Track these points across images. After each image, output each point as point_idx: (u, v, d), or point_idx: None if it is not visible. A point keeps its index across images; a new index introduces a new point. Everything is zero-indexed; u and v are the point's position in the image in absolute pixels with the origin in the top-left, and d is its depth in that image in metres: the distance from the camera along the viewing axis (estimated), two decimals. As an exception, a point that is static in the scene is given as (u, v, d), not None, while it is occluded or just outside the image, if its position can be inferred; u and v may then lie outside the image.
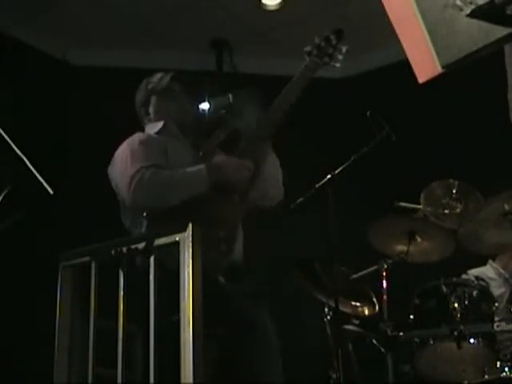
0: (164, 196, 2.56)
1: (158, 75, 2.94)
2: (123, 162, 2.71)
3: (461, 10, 1.33)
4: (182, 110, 2.86)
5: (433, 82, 1.46)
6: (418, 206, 3.63)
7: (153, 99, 2.91)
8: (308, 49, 2.92)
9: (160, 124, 2.86)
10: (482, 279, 3.50)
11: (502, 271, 3.99)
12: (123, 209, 2.77)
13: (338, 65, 2.94)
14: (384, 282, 3.67)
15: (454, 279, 3.38)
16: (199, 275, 1.80)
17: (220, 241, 2.53)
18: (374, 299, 3.89)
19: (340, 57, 2.95)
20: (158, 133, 2.84)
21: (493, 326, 3.15)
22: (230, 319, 2.48)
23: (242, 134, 2.80)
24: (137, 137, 2.80)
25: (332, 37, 2.96)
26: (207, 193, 2.58)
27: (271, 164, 2.82)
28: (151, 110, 2.92)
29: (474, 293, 3.33)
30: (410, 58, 1.48)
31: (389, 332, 3.46)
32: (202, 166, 2.60)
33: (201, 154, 2.75)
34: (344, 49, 2.97)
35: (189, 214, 2.47)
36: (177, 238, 1.85)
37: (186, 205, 2.53)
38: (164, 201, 2.56)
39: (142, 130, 2.96)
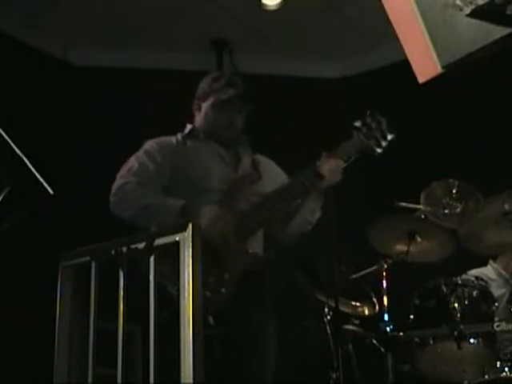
0: (132, 215, 2.67)
1: (227, 80, 2.87)
2: (123, 166, 2.78)
3: (461, 10, 1.33)
4: (230, 125, 2.84)
5: (433, 82, 1.46)
6: (418, 206, 3.63)
7: (209, 100, 2.86)
8: (357, 124, 2.88)
9: (189, 128, 2.90)
10: (482, 279, 3.50)
11: (503, 272, 3.99)
12: None
13: (379, 151, 2.89)
14: (384, 281, 3.67)
15: (454, 279, 3.38)
16: (199, 275, 1.80)
17: (222, 283, 2.51)
18: (374, 299, 3.89)
19: (384, 144, 2.89)
20: (186, 135, 2.88)
21: (493, 326, 3.15)
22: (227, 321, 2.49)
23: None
24: (147, 145, 2.83)
25: (382, 120, 2.91)
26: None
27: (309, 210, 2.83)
28: (202, 110, 2.90)
29: (474, 293, 3.33)
30: (410, 58, 1.48)
31: (389, 332, 3.47)
32: (179, 203, 2.59)
33: (229, 187, 2.74)
34: (390, 137, 2.90)
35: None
36: (177, 238, 1.84)
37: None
38: (132, 220, 2.67)
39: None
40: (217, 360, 2.49)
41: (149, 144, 2.83)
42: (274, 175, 2.90)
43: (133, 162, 2.75)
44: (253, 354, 2.55)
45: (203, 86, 2.90)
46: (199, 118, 2.91)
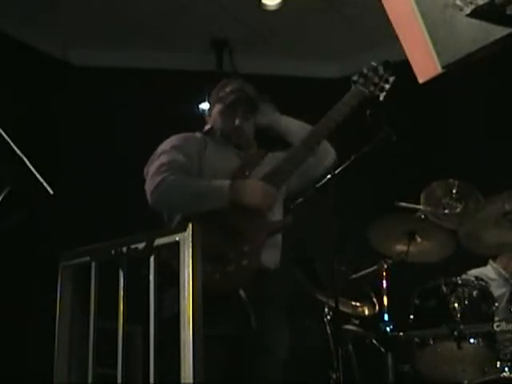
0: (181, 204, 2.66)
1: (234, 86, 2.93)
2: (153, 165, 2.76)
3: (461, 10, 1.33)
4: (235, 131, 2.88)
5: (433, 81, 1.46)
6: (418, 206, 3.63)
7: (217, 107, 2.93)
8: (354, 78, 2.96)
9: (208, 127, 2.96)
10: (482, 279, 3.50)
11: (503, 271, 3.99)
12: None
13: (383, 95, 2.96)
14: (384, 281, 3.67)
15: (454, 279, 3.38)
16: (199, 275, 1.80)
17: (243, 255, 2.55)
18: (374, 299, 3.89)
19: (386, 86, 2.97)
20: (205, 133, 2.93)
21: (493, 326, 3.15)
22: (237, 322, 2.51)
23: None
24: (170, 141, 2.86)
25: (379, 67, 2.99)
26: (234, 208, 2.61)
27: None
28: (212, 116, 2.96)
29: (474, 293, 3.33)
30: (410, 58, 1.48)
31: (389, 332, 3.47)
32: (226, 183, 2.64)
33: (242, 164, 2.80)
34: (391, 79, 2.98)
35: (216, 224, 2.55)
36: (177, 238, 1.84)
37: (214, 215, 2.57)
38: (181, 209, 2.66)
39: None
40: (227, 358, 2.50)
41: (173, 139, 2.86)
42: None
43: (162, 158, 2.75)
44: (264, 352, 2.57)
45: (214, 92, 2.98)
46: (211, 123, 2.98)
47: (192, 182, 2.68)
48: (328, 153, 2.99)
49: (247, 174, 2.76)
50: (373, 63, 3.00)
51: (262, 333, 2.56)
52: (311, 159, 2.86)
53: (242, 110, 2.88)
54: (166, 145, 2.83)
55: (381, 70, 2.99)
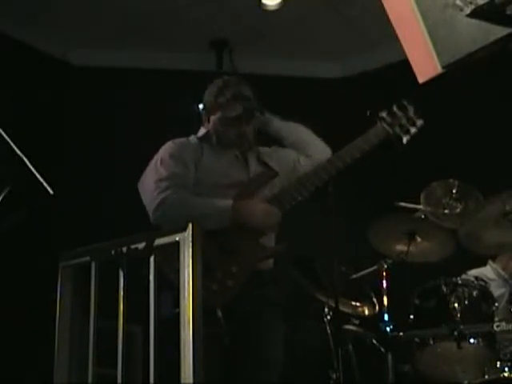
0: (184, 223, 2.60)
1: (234, 91, 2.83)
2: (151, 175, 2.72)
3: (461, 10, 1.33)
4: (239, 137, 2.83)
5: (433, 81, 1.46)
6: (418, 206, 3.63)
7: (217, 114, 2.84)
8: (383, 114, 2.87)
9: (203, 131, 2.89)
10: (482, 280, 3.50)
11: (502, 272, 3.99)
12: None
13: (406, 138, 2.88)
14: (384, 281, 3.67)
15: (454, 279, 3.38)
16: (199, 275, 1.80)
17: (230, 276, 2.52)
18: (374, 299, 3.89)
19: (412, 130, 2.88)
20: (200, 138, 2.88)
21: (493, 326, 3.15)
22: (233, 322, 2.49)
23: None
24: (169, 148, 2.80)
25: (409, 107, 2.90)
26: (234, 228, 2.59)
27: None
28: (210, 122, 2.88)
29: (474, 293, 3.33)
30: (410, 58, 1.48)
31: (389, 332, 3.47)
32: (229, 203, 2.61)
33: (246, 183, 2.76)
34: (419, 123, 2.89)
35: (208, 241, 2.52)
36: (177, 238, 1.84)
37: (208, 232, 2.55)
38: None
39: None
40: (225, 359, 2.50)
41: (169, 147, 2.80)
42: (281, 162, 2.92)
43: (160, 171, 2.70)
44: (260, 354, 2.56)
45: (210, 98, 2.88)
46: (209, 128, 2.90)
47: (195, 202, 2.64)
48: (320, 146, 2.99)
49: (253, 192, 2.71)
50: (404, 102, 2.90)
51: (246, 334, 2.53)
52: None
53: (246, 117, 2.81)
54: (163, 153, 2.77)
55: (410, 112, 2.90)
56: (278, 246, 2.78)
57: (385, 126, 2.86)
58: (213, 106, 2.85)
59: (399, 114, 2.89)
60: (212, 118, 2.86)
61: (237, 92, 2.83)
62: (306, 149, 2.95)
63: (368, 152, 2.82)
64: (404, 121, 2.89)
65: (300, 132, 3.00)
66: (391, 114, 2.89)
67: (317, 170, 2.80)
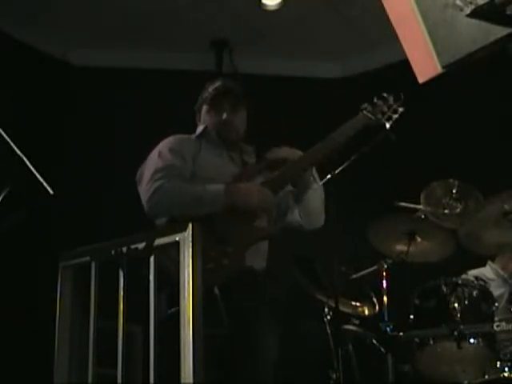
0: (178, 210, 2.62)
1: (216, 85, 2.95)
2: (148, 168, 2.76)
3: (461, 10, 1.33)
4: (224, 125, 2.88)
5: (433, 81, 1.46)
6: (418, 206, 3.63)
7: (204, 108, 2.96)
8: (364, 106, 2.97)
9: (201, 127, 2.95)
10: (482, 280, 3.50)
11: (501, 272, 3.99)
12: None
13: (389, 124, 2.97)
14: (384, 281, 3.67)
15: (454, 279, 3.38)
16: (199, 275, 1.80)
17: (225, 255, 2.54)
18: (374, 299, 3.89)
19: (394, 116, 2.98)
20: (198, 136, 2.93)
21: (493, 326, 3.15)
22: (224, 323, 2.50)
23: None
24: (168, 142, 2.85)
25: (389, 97, 3.01)
26: (226, 211, 2.61)
27: (313, 192, 2.86)
28: (201, 116, 2.98)
29: (474, 293, 3.33)
30: (410, 58, 1.49)
31: (389, 332, 3.47)
32: (221, 187, 2.64)
33: (240, 173, 2.80)
34: (400, 110, 3.00)
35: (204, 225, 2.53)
36: (177, 238, 1.85)
37: (204, 217, 2.56)
38: (177, 215, 2.62)
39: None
40: (218, 360, 2.49)
41: (168, 141, 2.85)
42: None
43: (158, 162, 2.74)
44: (252, 354, 2.55)
45: (199, 99, 3.00)
46: (202, 125, 2.98)
47: (187, 188, 2.66)
48: (318, 219, 2.92)
49: (246, 179, 2.75)
50: (384, 94, 3.01)
51: (241, 331, 2.53)
52: (303, 217, 2.86)
53: (228, 104, 2.88)
54: (163, 146, 2.82)
55: (390, 100, 3.01)
56: (271, 226, 2.80)
57: (366, 113, 2.95)
58: (201, 103, 2.98)
59: (380, 103, 2.99)
60: (201, 113, 2.97)
61: (219, 84, 2.95)
62: (305, 210, 2.89)
63: (352, 137, 2.85)
64: (385, 108, 2.99)
65: (316, 201, 2.92)
66: (372, 104, 2.98)
67: (303, 157, 2.82)
